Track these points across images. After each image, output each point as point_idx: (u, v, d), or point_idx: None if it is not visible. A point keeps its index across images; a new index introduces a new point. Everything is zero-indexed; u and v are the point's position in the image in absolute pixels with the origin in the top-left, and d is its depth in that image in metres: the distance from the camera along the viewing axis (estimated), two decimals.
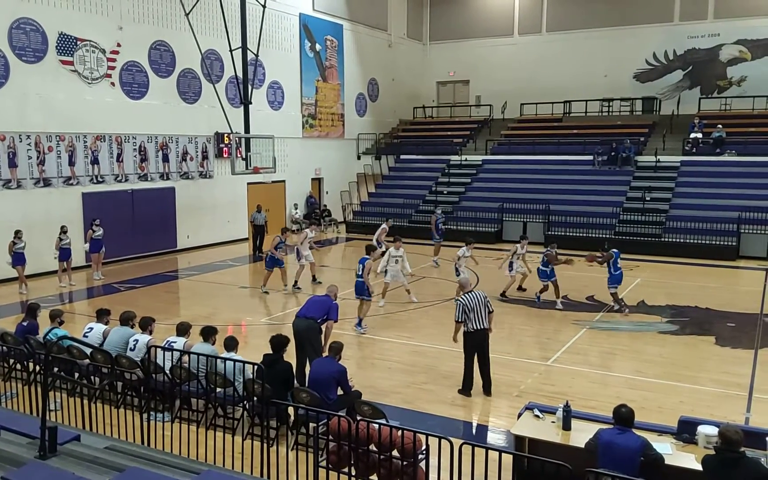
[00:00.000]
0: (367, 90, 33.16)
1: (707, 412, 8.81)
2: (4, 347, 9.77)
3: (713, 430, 6.12)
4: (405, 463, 6.23)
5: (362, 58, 32.29)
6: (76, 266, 18.15)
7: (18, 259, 16.46)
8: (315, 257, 18.33)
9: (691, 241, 22.18)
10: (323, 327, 10.32)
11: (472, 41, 35.24)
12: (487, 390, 9.88)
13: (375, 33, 33.11)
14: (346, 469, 6.54)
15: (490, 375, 9.89)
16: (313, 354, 9.65)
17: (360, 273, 13.18)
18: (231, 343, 8.80)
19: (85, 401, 8.00)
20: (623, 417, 6.07)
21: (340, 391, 8.25)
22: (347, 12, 30.97)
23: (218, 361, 8.29)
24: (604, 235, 23.41)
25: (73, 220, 18.91)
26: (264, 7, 22.28)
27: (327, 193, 30.51)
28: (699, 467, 5.68)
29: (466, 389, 9.90)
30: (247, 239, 25.32)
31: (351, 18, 31.23)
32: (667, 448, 6.21)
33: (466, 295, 9.94)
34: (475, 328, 9.74)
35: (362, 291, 13.16)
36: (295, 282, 16.99)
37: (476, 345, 9.80)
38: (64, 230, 17.33)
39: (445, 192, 28.44)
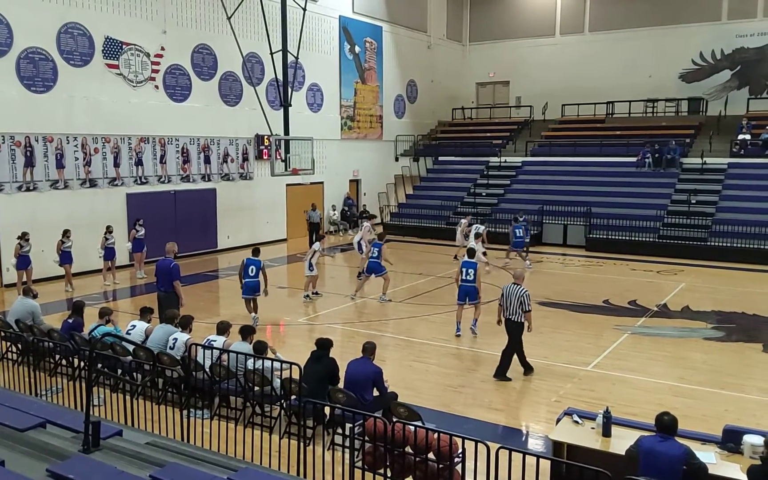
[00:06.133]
0: (406, 91, 33.16)
1: (753, 422, 8.58)
2: (51, 343, 10.04)
3: (759, 440, 5.95)
4: (441, 466, 6.20)
5: (401, 59, 32.30)
6: (119, 265, 18.54)
7: (65, 257, 16.90)
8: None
9: (739, 245, 21.62)
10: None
11: (513, 42, 34.95)
12: (498, 374, 10.66)
13: (414, 34, 33.09)
14: (381, 471, 6.54)
15: (508, 364, 10.68)
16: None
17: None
18: (261, 347, 8.82)
19: (128, 397, 8.16)
20: (666, 424, 5.94)
21: (376, 393, 8.26)
22: (386, 14, 31.02)
23: (256, 360, 8.38)
24: (647, 239, 23.02)
25: (118, 220, 19.32)
26: (304, 10, 22.45)
27: (365, 194, 30.60)
28: (744, 478, 5.54)
29: (511, 373, 10.75)
30: (285, 240, 25.60)
31: (390, 20, 31.28)
32: (710, 457, 6.06)
33: (509, 285, 10.82)
34: (505, 316, 10.73)
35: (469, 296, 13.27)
36: (360, 272, 17.73)
37: (507, 332, 10.73)
38: (109, 230, 17.75)
39: (483, 194, 28.26)
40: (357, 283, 16.69)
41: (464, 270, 13.13)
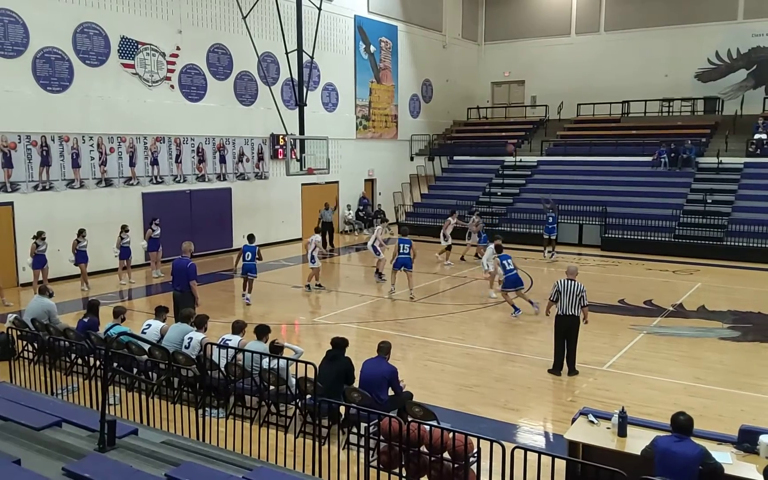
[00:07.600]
0: (421, 91, 33.12)
1: None
2: (66, 342, 10.11)
3: None
4: (456, 465, 6.19)
5: (416, 59, 32.27)
6: (135, 264, 18.64)
7: (80, 256, 17.00)
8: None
9: (755, 245, 21.43)
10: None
11: (528, 41, 34.83)
12: (570, 372, 10.67)
13: (429, 34, 33.05)
14: (396, 470, 6.53)
15: (574, 360, 10.70)
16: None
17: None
18: (275, 349, 8.86)
19: (143, 396, 8.21)
20: (682, 425, 5.89)
21: (391, 392, 8.25)
22: (402, 13, 31.00)
23: (272, 359, 8.40)
24: (663, 239, 22.86)
25: (134, 219, 19.43)
26: (320, 9, 22.48)
27: (380, 194, 30.60)
28: (760, 478, 5.48)
29: (554, 369, 10.74)
30: (300, 239, 25.63)
31: (405, 19, 31.26)
32: (726, 458, 6.00)
33: (564, 280, 10.71)
34: (562, 312, 10.59)
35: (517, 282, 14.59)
36: (379, 273, 18.37)
37: (563, 329, 10.62)
38: (125, 229, 17.84)
39: (498, 193, 28.17)
40: (390, 278, 16.66)
41: (504, 262, 14.52)
